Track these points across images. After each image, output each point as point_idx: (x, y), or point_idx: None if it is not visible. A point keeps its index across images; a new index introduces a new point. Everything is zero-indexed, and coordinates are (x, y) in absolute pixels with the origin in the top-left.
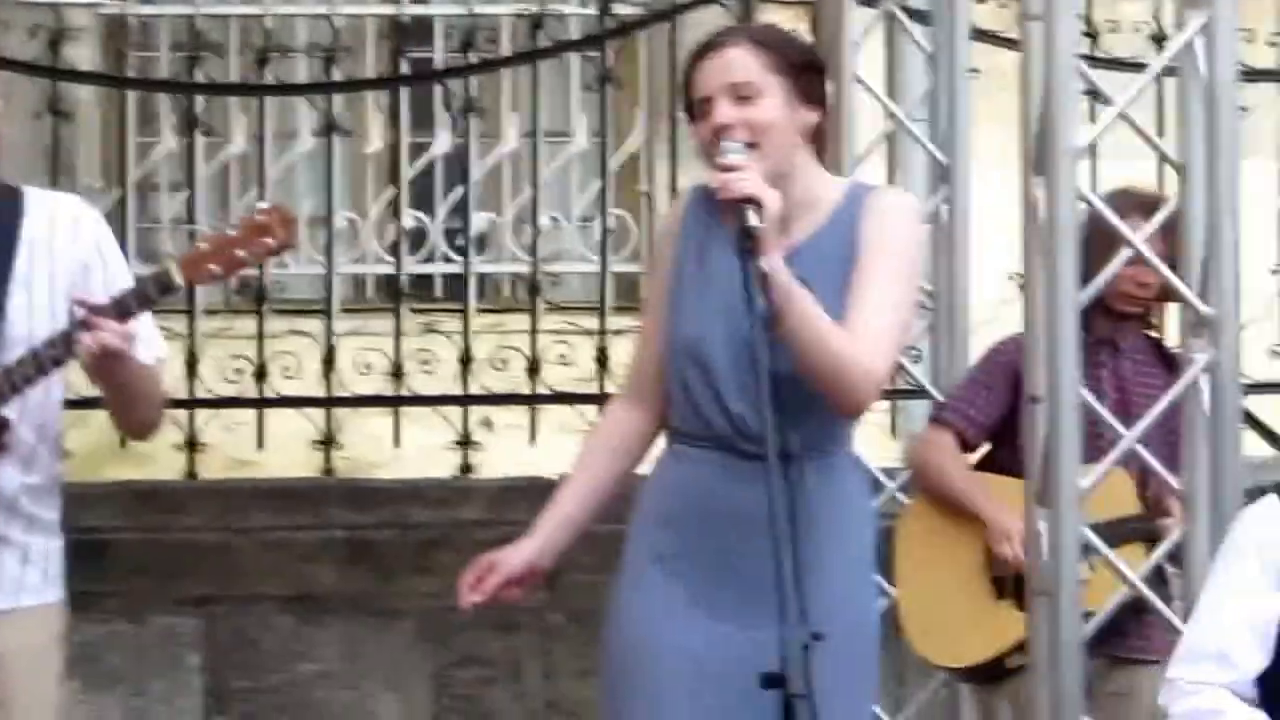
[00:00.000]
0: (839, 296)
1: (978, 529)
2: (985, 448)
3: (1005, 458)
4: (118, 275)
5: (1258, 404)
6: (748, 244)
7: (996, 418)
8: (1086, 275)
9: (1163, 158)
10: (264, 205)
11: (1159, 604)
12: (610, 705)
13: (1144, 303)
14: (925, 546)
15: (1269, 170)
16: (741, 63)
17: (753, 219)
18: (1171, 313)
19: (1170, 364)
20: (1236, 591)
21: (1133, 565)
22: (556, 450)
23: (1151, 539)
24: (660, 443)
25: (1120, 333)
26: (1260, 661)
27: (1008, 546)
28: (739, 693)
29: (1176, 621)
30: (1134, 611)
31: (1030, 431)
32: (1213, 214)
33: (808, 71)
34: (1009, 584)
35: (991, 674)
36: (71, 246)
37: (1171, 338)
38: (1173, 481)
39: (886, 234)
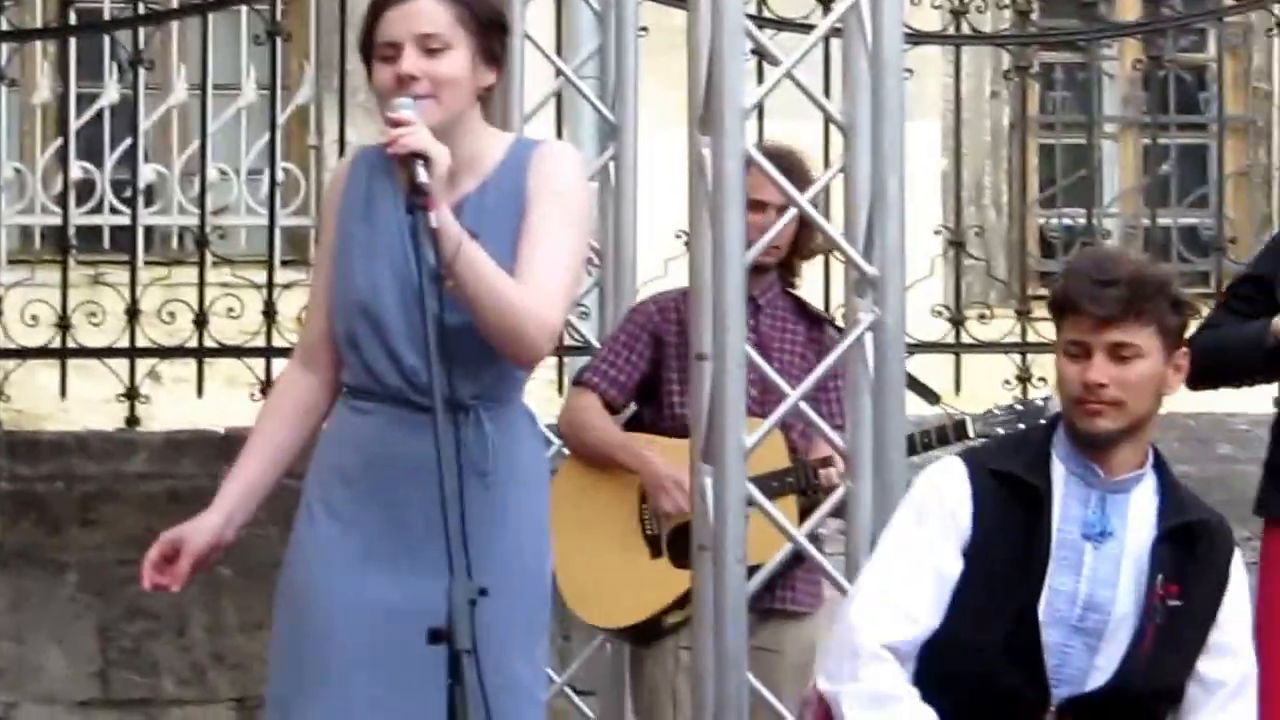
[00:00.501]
0: (509, 248)
1: (629, 487)
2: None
3: (650, 417)
4: None
5: (922, 363)
6: (417, 199)
7: (639, 378)
8: None
9: (828, 118)
10: None
11: (821, 560)
12: (282, 656)
13: (775, 254)
14: (577, 507)
15: (933, 132)
16: (432, 14)
17: (422, 174)
18: (835, 271)
19: (812, 320)
20: (921, 549)
21: (788, 519)
22: (224, 403)
23: (803, 492)
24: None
25: (758, 287)
26: (935, 620)
27: (666, 498)
28: (411, 644)
29: (838, 576)
30: (794, 563)
31: (696, 388)
32: (877, 175)
33: (494, 30)
34: (663, 542)
35: (650, 633)
36: None
37: (837, 296)
38: (836, 439)
39: (553, 184)
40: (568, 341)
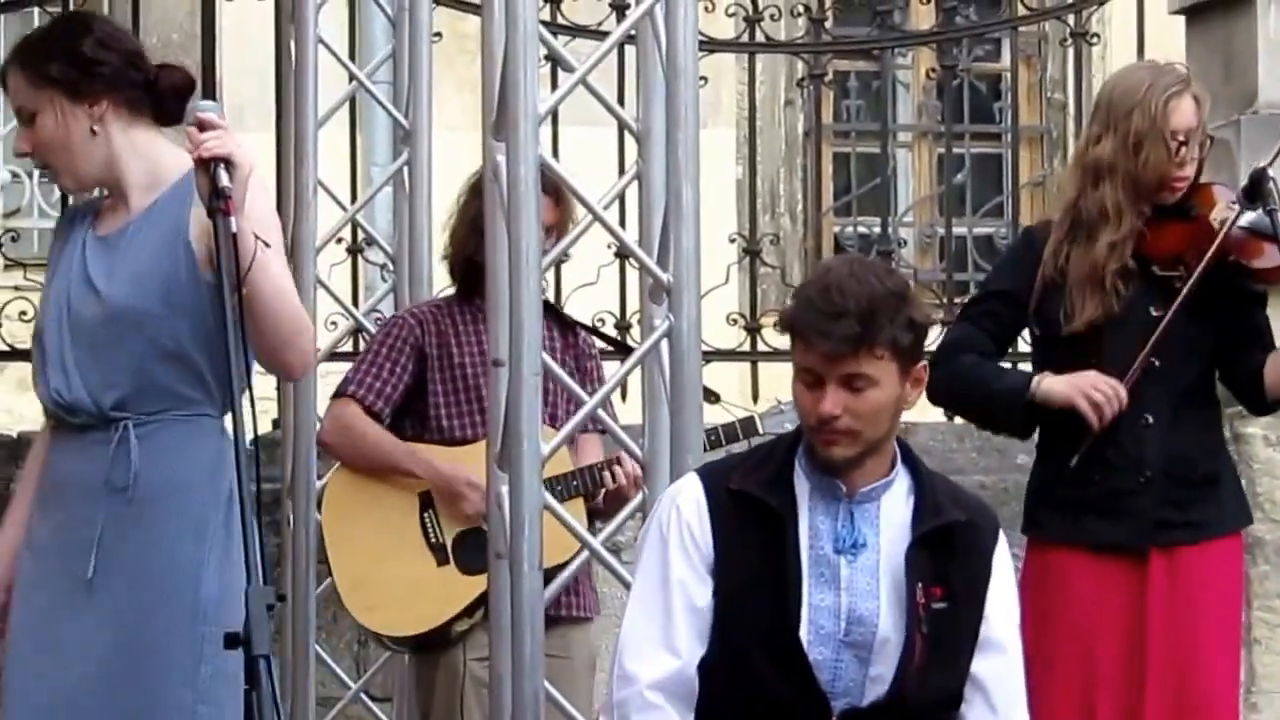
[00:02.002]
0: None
1: (407, 495)
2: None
3: (412, 429)
4: None
5: (718, 371)
6: (218, 203)
7: (403, 390)
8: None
9: (623, 125)
10: None
11: (618, 568)
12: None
13: None
14: (355, 517)
15: (728, 140)
16: (15, 89)
17: (224, 178)
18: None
19: (565, 325)
20: (671, 582)
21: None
22: (17, 407)
23: (588, 496)
24: None
25: None
26: (699, 649)
27: (466, 502)
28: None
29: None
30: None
31: (493, 395)
32: (672, 182)
33: (71, 68)
34: (449, 549)
35: (437, 641)
36: None
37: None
38: (632, 446)
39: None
40: (363, 346)
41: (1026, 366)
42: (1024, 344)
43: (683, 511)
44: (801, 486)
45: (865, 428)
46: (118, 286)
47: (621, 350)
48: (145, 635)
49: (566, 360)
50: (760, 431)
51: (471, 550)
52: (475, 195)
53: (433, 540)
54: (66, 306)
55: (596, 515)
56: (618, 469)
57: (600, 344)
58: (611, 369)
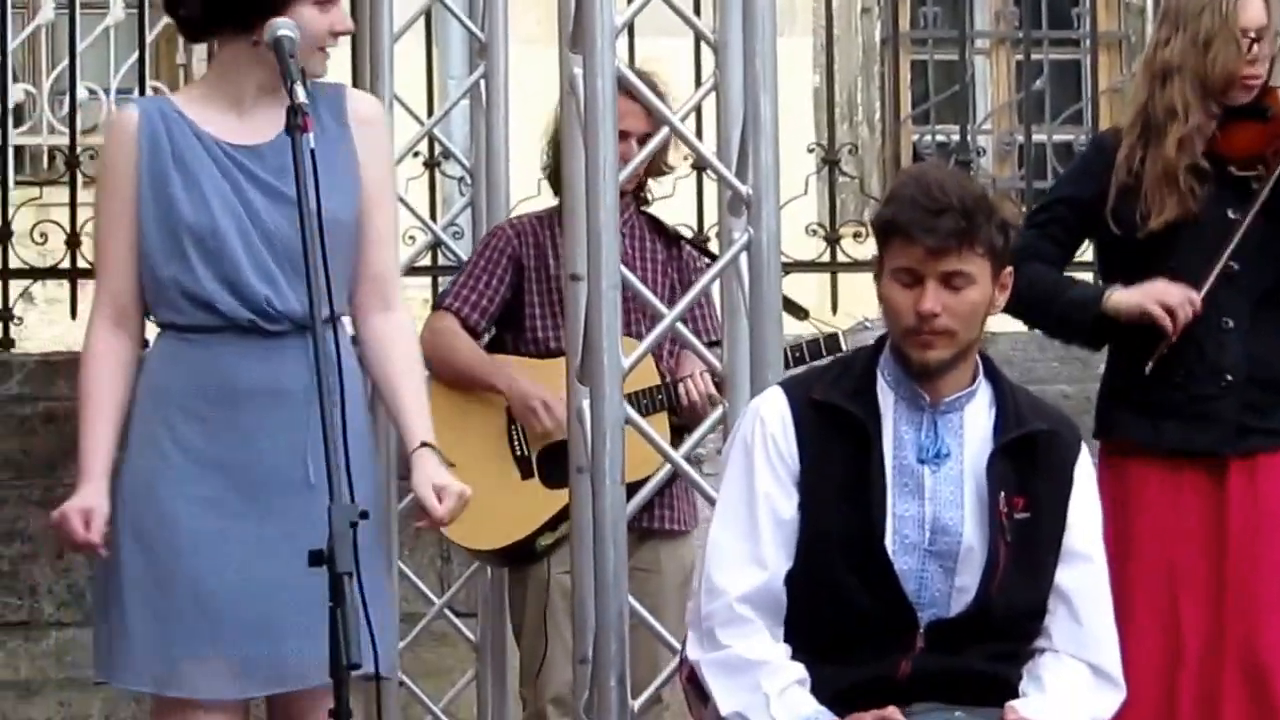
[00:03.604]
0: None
1: (496, 409)
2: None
3: (511, 341)
4: None
5: (797, 282)
6: (297, 120)
7: (500, 302)
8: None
9: (699, 36)
10: None
11: (699, 480)
12: (133, 592)
13: (634, 179)
14: (443, 430)
15: (805, 49)
16: None
17: (300, 94)
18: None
19: (670, 238)
20: (756, 494)
21: (661, 437)
22: None
23: (673, 409)
24: None
25: None
26: (785, 561)
27: (537, 420)
28: (283, 573)
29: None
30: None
31: (571, 310)
32: (750, 93)
33: None
34: (533, 462)
35: (522, 555)
36: None
37: (711, 215)
38: (713, 361)
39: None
40: (441, 261)
41: (1086, 278)
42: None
43: (767, 424)
44: (885, 397)
45: (962, 328)
46: (329, 200)
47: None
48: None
49: (669, 273)
50: (844, 347)
51: (556, 464)
52: None
53: (518, 453)
54: (246, 214)
55: (684, 430)
56: (689, 384)
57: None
58: None
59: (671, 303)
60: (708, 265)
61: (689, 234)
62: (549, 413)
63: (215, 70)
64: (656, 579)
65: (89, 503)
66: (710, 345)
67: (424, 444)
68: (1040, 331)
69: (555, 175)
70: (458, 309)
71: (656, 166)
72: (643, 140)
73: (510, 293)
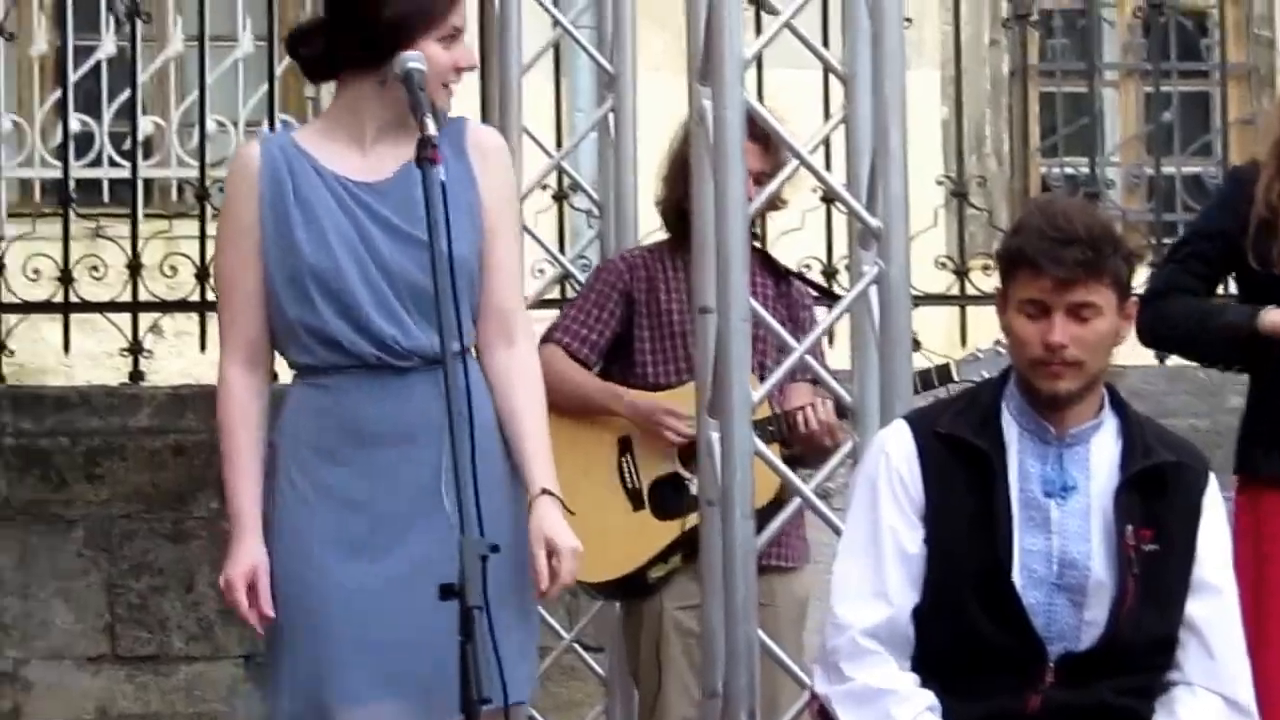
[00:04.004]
0: None
1: (606, 441)
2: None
3: (619, 375)
4: None
5: (926, 316)
6: (427, 153)
7: (610, 336)
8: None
9: (828, 68)
10: None
11: (827, 512)
12: (284, 637)
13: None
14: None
15: (933, 81)
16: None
17: (431, 127)
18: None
19: (779, 274)
20: (882, 530)
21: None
22: None
23: (784, 441)
24: None
25: None
26: (913, 597)
27: (670, 432)
28: (412, 607)
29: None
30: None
31: (700, 342)
32: (879, 125)
33: None
34: (644, 494)
35: (634, 587)
36: None
37: (840, 248)
38: (842, 392)
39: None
40: (570, 294)
41: None
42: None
43: (892, 458)
44: (1010, 429)
45: (1090, 358)
46: (454, 240)
47: (829, 296)
48: (499, 571)
49: (779, 309)
50: (956, 378)
51: (667, 495)
52: (686, 141)
53: (629, 485)
54: (367, 252)
55: (794, 461)
56: (809, 412)
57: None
58: (822, 315)
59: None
60: (816, 300)
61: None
62: (677, 420)
63: (337, 107)
64: (772, 613)
65: (250, 562)
66: (814, 381)
67: (545, 491)
68: (1187, 358)
69: (669, 209)
70: (566, 343)
71: (772, 201)
72: (758, 179)
73: (620, 327)
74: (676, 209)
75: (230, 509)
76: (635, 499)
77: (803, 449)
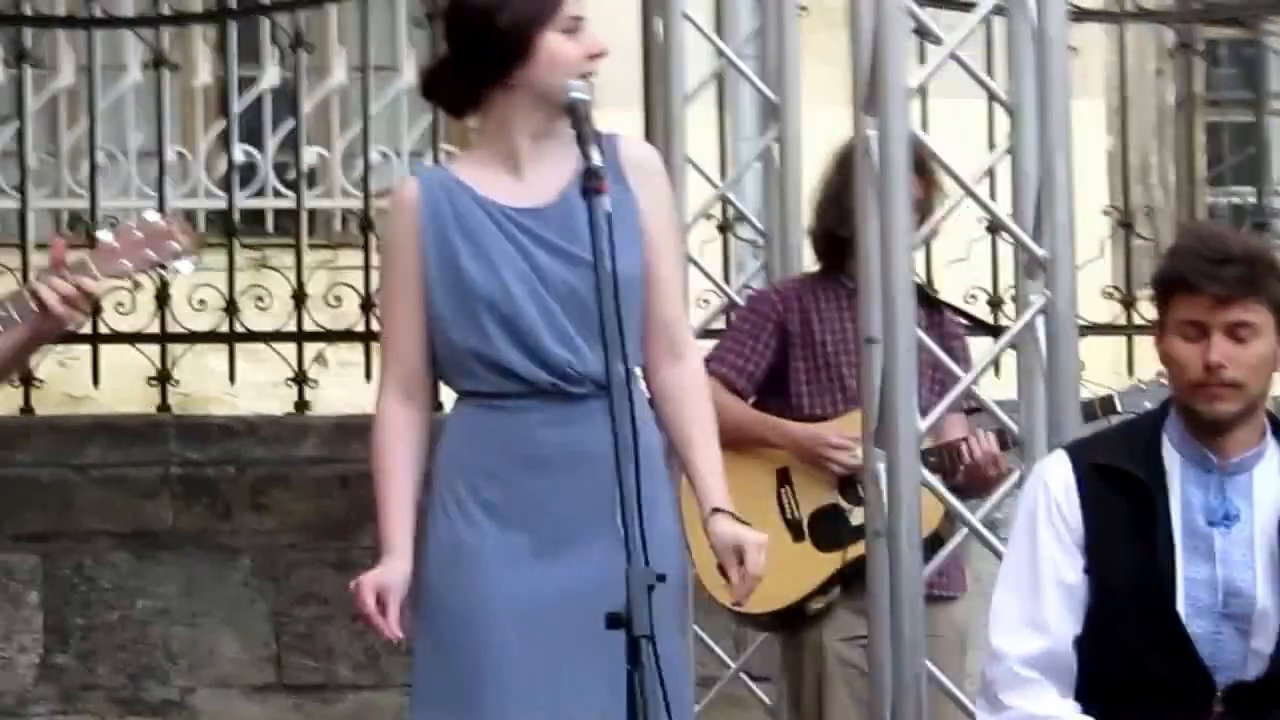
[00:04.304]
0: None
1: (763, 473)
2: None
3: (775, 408)
4: None
5: (1093, 346)
6: (593, 182)
7: (765, 368)
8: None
9: (993, 98)
10: (160, 215)
11: (995, 543)
12: (443, 657)
13: None
14: None
15: (1098, 111)
16: None
17: (596, 157)
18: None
19: (930, 304)
20: (1041, 559)
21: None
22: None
23: (945, 472)
24: None
25: None
26: (1072, 626)
27: (834, 463)
28: (587, 633)
29: None
30: (932, 549)
31: (866, 372)
32: (1044, 155)
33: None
34: (804, 525)
35: (794, 619)
36: None
37: (1005, 278)
38: (1009, 424)
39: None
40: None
41: None
42: None
43: (1051, 488)
44: (1171, 459)
45: (1249, 379)
46: (620, 264)
47: (980, 327)
48: (662, 598)
49: (931, 339)
50: (1119, 409)
51: (828, 526)
52: (838, 169)
53: (789, 516)
54: (537, 277)
55: (955, 492)
56: (974, 443)
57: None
58: (979, 345)
59: (932, 367)
60: (967, 330)
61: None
62: (840, 450)
63: (487, 130)
64: (935, 643)
65: (386, 579)
66: (968, 412)
67: (716, 509)
68: None
69: (820, 238)
70: (723, 374)
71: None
72: (917, 205)
73: (775, 359)
74: (828, 238)
75: (380, 532)
76: (795, 530)
77: (966, 480)
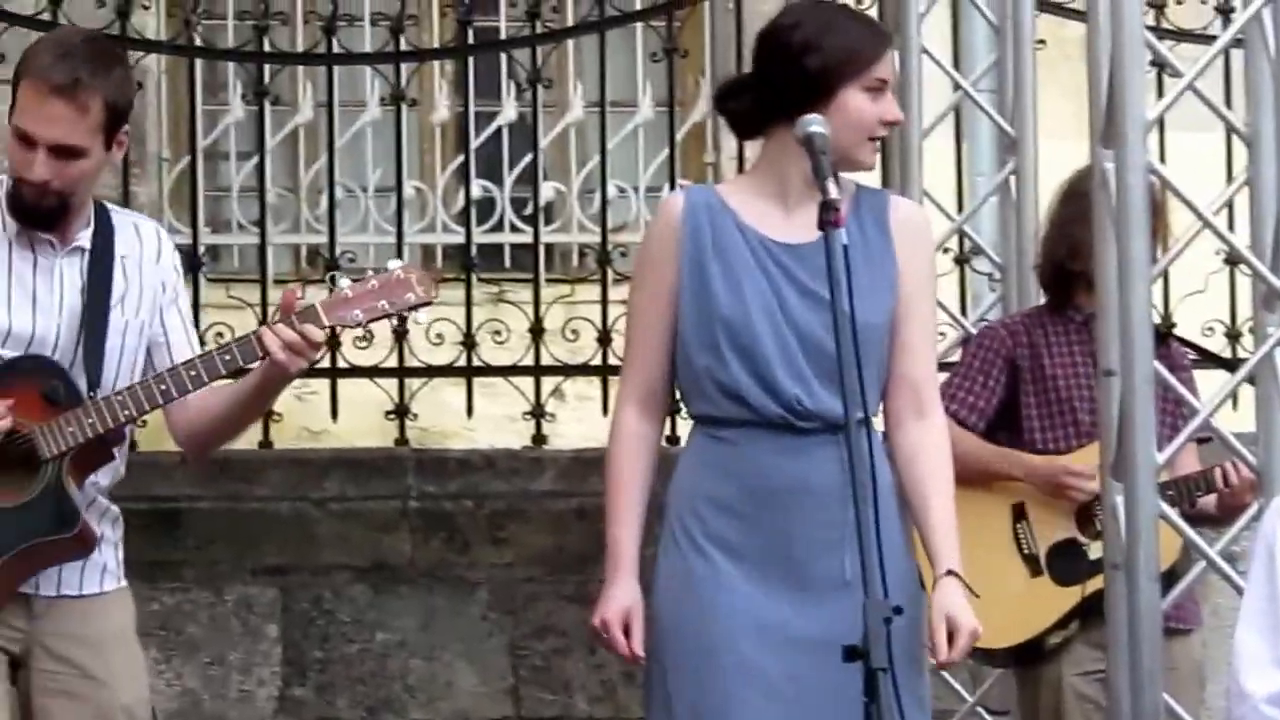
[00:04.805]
0: None
1: (999, 507)
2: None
3: (1005, 443)
4: (182, 293)
5: None
6: (828, 215)
7: (997, 404)
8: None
9: (1231, 130)
10: (401, 264)
11: (1234, 576)
12: (679, 684)
13: None
14: None
15: None
16: None
17: (833, 190)
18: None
19: (1158, 335)
20: (1275, 593)
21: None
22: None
23: (1180, 505)
24: None
25: None
26: None
27: (1074, 491)
28: (817, 669)
29: None
30: (1168, 583)
31: (1104, 405)
32: None
33: None
34: (1040, 560)
35: (1032, 654)
36: (155, 266)
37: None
38: (1248, 456)
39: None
40: None
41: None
42: None
43: None
44: None
45: None
46: (862, 303)
47: (1212, 360)
48: (902, 635)
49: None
50: None
51: (1065, 561)
52: (1066, 202)
53: (1025, 551)
54: (781, 312)
55: (1198, 522)
56: (1229, 469)
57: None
58: (1214, 378)
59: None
60: (1196, 362)
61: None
62: (1079, 478)
63: (764, 161)
64: (1173, 676)
65: (625, 602)
66: (1199, 442)
67: (949, 572)
68: None
69: (1048, 271)
70: (954, 410)
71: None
72: None
73: (1006, 393)
74: (1057, 271)
75: (607, 552)
76: (1032, 565)
77: (1220, 508)
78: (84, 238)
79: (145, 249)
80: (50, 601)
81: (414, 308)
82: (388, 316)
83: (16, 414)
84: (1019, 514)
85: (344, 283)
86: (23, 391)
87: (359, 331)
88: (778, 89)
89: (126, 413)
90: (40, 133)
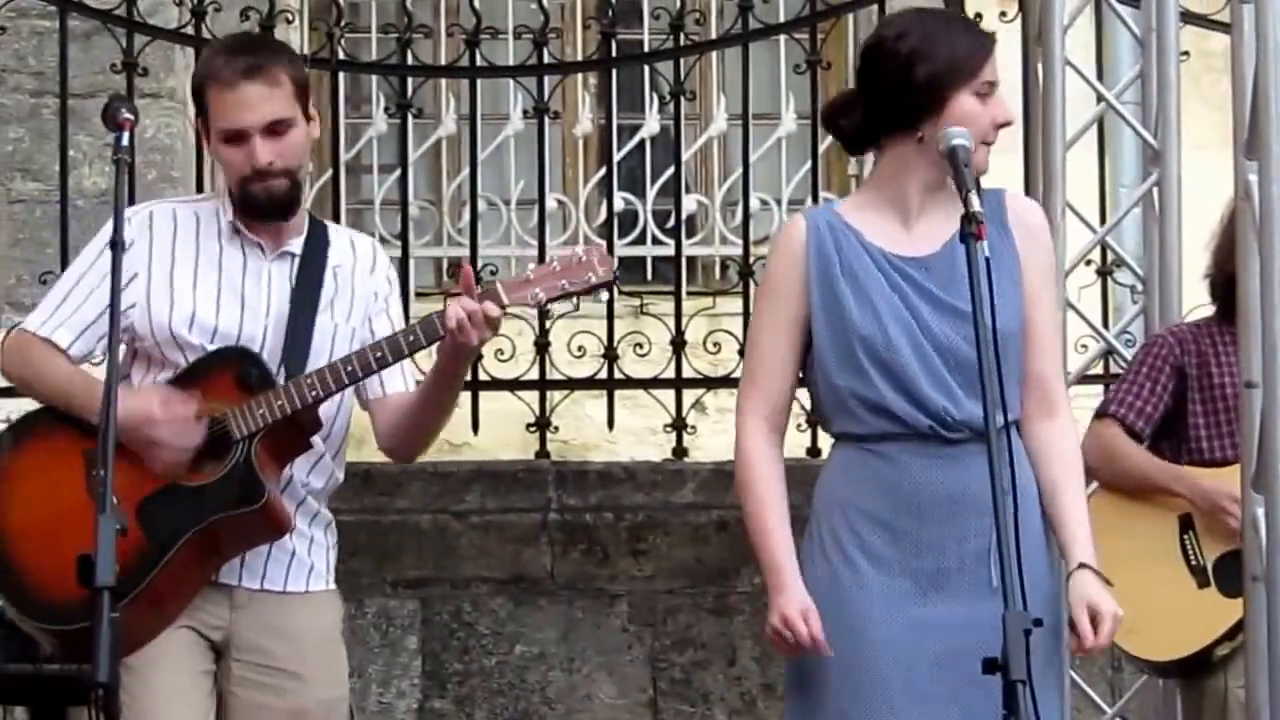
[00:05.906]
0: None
1: (1165, 517)
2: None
3: (1170, 451)
4: (394, 303)
5: None
6: (972, 228)
7: (1163, 410)
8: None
9: None
10: (584, 246)
11: None
12: (812, 691)
13: None
14: (1113, 538)
15: None
16: None
17: (975, 202)
18: None
19: None
20: None
21: None
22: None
23: None
24: None
25: None
26: None
27: (1231, 518)
28: (967, 677)
29: None
30: None
31: (1245, 416)
32: None
33: None
34: (1209, 571)
35: (1198, 666)
36: (368, 277)
37: None
38: None
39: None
40: (1114, 369)
41: None
42: None
43: None
44: None
45: None
46: (1000, 311)
47: None
48: (1038, 644)
49: None
50: None
51: (1234, 572)
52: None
53: (1193, 562)
54: (917, 325)
55: None
56: None
57: None
58: None
59: None
60: None
61: None
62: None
63: (880, 175)
64: None
65: (800, 599)
66: None
67: (1082, 565)
68: None
69: (1217, 281)
70: (1122, 415)
71: None
72: None
73: (1172, 401)
74: (1227, 281)
75: (766, 564)
76: (1200, 576)
77: None
78: (295, 245)
79: (360, 261)
80: (252, 594)
81: (594, 288)
82: (567, 296)
83: (213, 399)
84: (1186, 525)
85: (529, 267)
86: (220, 378)
87: (501, 344)
88: (888, 101)
89: (314, 393)
90: (248, 119)
